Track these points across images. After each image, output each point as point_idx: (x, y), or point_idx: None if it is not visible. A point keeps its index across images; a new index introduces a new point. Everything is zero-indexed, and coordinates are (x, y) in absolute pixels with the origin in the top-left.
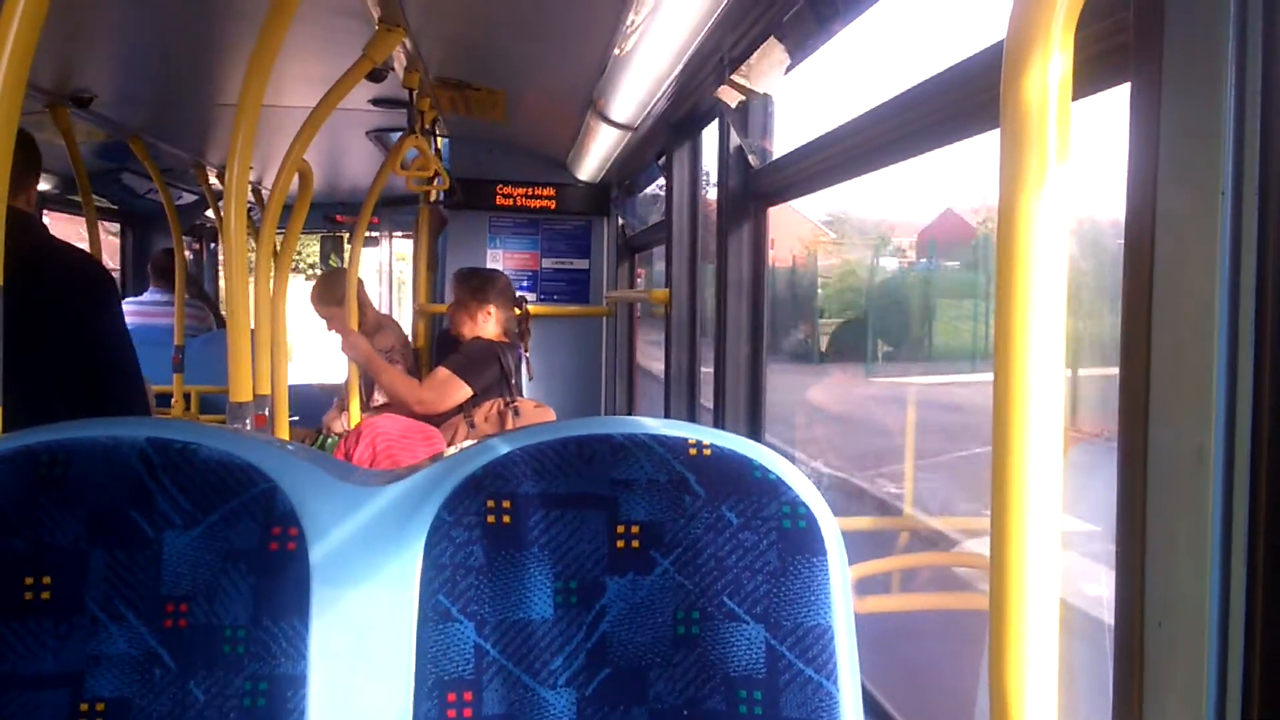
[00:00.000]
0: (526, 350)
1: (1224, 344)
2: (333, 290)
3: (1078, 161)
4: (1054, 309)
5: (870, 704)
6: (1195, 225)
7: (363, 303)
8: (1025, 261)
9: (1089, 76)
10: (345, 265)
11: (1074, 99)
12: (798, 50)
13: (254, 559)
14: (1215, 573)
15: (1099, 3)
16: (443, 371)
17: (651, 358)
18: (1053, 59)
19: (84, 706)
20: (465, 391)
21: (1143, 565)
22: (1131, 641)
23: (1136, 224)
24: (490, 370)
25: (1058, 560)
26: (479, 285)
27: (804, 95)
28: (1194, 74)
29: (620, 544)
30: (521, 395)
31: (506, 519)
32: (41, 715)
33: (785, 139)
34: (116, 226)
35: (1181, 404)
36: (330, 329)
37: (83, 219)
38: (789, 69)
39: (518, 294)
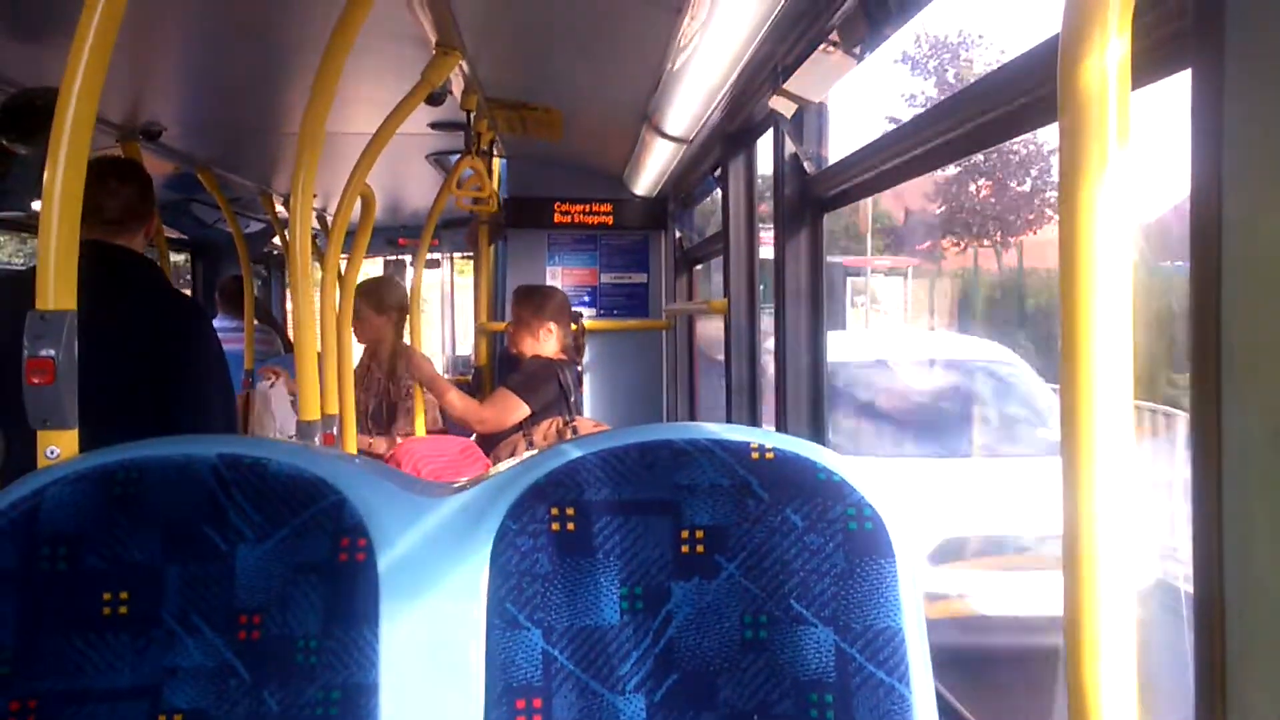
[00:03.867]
0: (580, 366)
1: None
2: (379, 296)
3: (1139, 151)
4: (1120, 302)
5: (944, 708)
6: (1263, 213)
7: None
8: (1089, 254)
9: (1148, 64)
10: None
11: (1133, 88)
12: (851, 55)
13: (324, 570)
14: None
15: None
16: (502, 390)
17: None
18: (1110, 47)
19: (162, 718)
20: (524, 410)
21: (1220, 553)
22: (1211, 633)
23: (1202, 212)
24: (549, 388)
25: (1131, 555)
26: (539, 303)
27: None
28: (1257, 59)
29: (685, 549)
30: (581, 413)
31: (571, 526)
32: None
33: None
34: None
35: (1256, 385)
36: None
37: (154, 249)
38: (843, 74)
39: (573, 309)
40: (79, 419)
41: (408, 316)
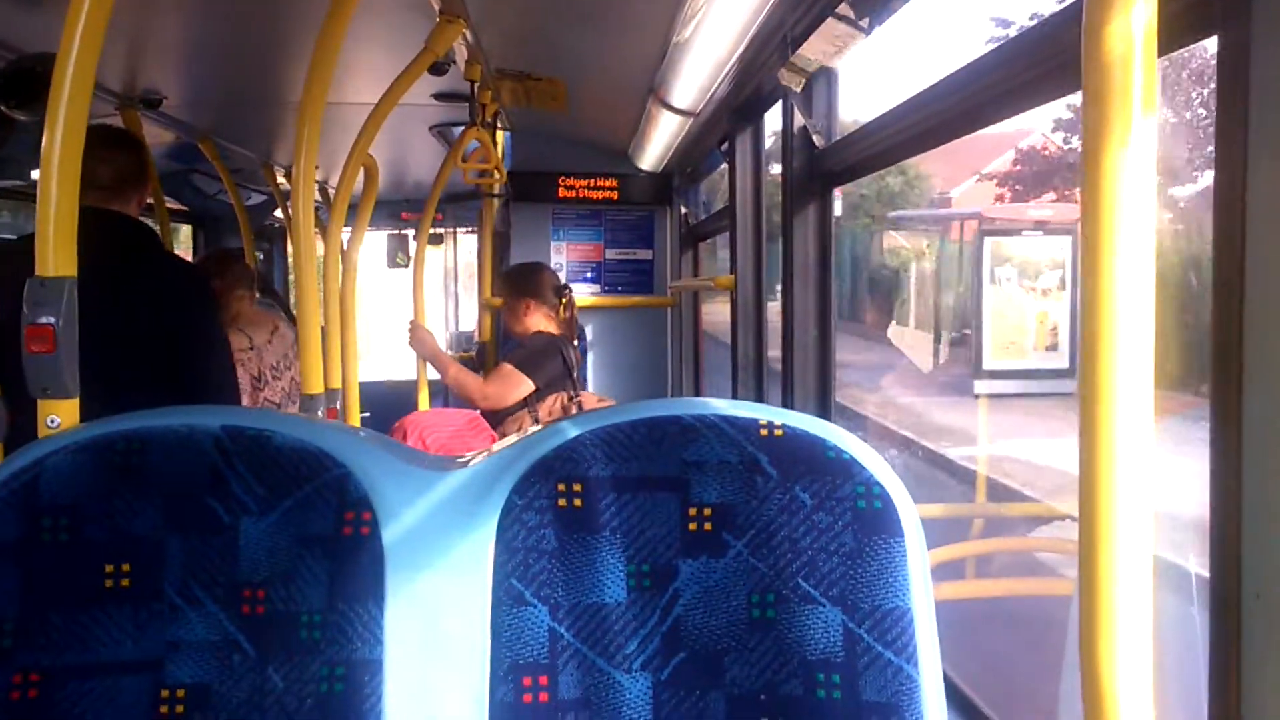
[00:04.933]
0: (575, 340)
1: None
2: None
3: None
4: (1142, 275)
5: (950, 689)
6: None
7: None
8: (1111, 223)
9: (1174, 30)
10: (411, 261)
11: (1159, 54)
12: (862, 25)
13: (329, 544)
14: None
15: None
16: (506, 367)
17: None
18: (1135, 11)
19: (165, 692)
20: (528, 386)
21: (1239, 536)
22: (1227, 615)
23: (1227, 184)
24: (553, 365)
25: (1149, 540)
26: (515, 282)
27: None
28: None
29: (693, 526)
30: (585, 389)
31: (578, 502)
32: (124, 701)
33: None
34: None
35: (1276, 368)
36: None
37: (154, 220)
38: (853, 45)
39: (561, 284)
40: (82, 387)
41: (253, 285)
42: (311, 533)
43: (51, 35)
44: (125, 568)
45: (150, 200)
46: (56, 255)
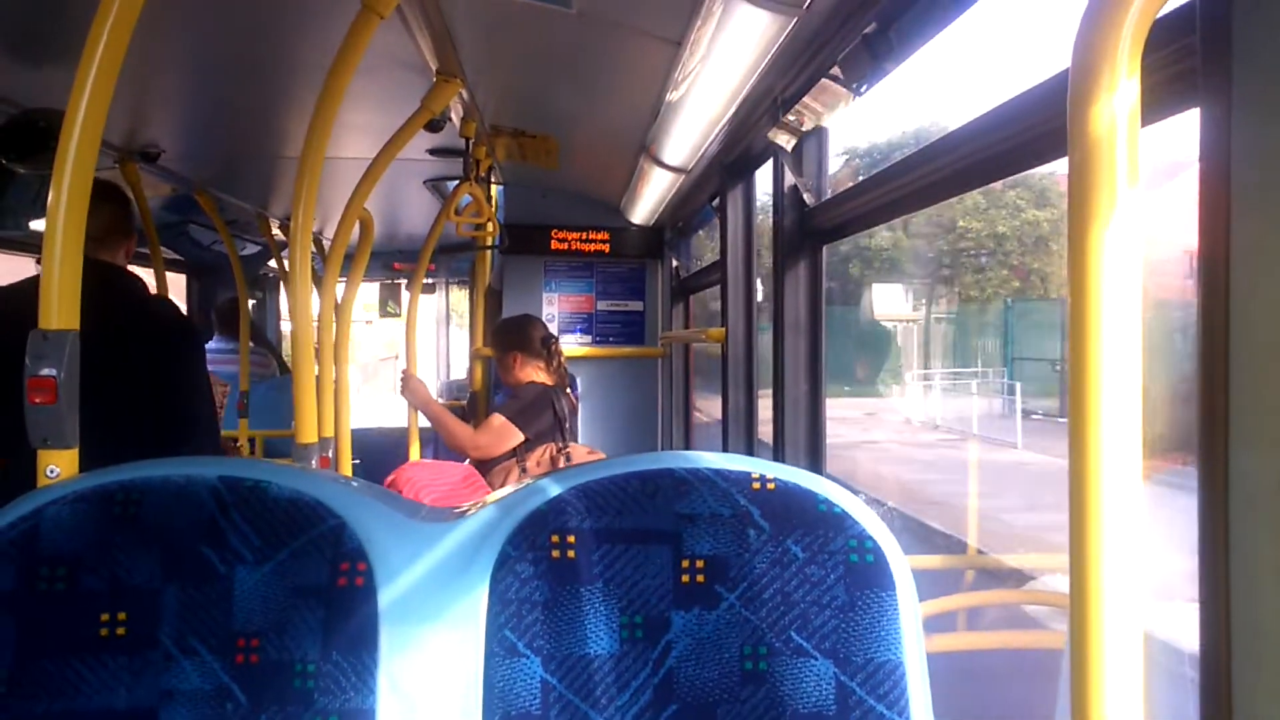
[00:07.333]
0: (566, 389)
1: None
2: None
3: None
4: (1129, 339)
5: None
6: (1271, 252)
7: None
8: (1097, 290)
9: (1157, 102)
10: (404, 312)
11: (1142, 126)
12: (852, 89)
13: (323, 594)
14: None
15: (1165, 27)
16: (497, 418)
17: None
18: (1120, 85)
19: None
20: (519, 437)
21: (1228, 595)
22: (1218, 673)
23: (1210, 248)
24: (544, 416)
25: (1138, 590)
26: (502, 336)
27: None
28: (1265, 97)
29: (685, 579)
30: (576, 440)
31: (571, 554)
32: None
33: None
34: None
35: (1263, 430)
36: None
37: (151, 270)
38: (843, 107)
39: (549, 335)
40: (82, 433)
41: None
42: (306, 583)
43: (53, 91)
44: (121, 617)
45: (147, 250)
46: (60, 308)
